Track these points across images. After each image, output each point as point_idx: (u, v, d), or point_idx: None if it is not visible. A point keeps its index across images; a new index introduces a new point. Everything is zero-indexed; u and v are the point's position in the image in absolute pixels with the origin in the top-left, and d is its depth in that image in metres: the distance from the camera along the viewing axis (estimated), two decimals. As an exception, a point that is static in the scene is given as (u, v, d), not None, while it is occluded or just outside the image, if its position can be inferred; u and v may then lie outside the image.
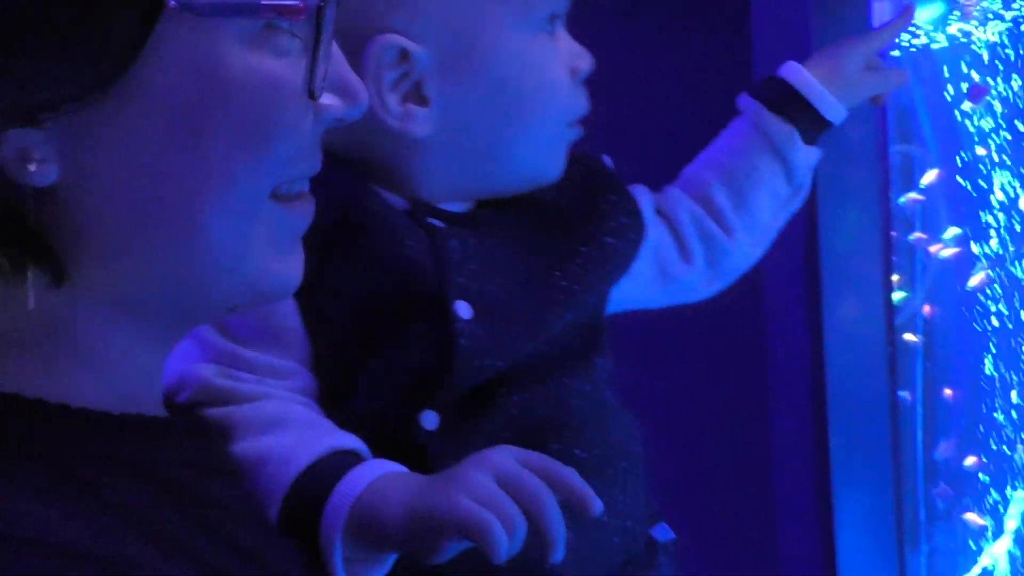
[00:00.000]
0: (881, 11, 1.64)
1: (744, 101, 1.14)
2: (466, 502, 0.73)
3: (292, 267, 0.65)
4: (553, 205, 0.95)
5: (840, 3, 1.63)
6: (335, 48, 0.62)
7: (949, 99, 2.04)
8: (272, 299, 0.67)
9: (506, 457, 0.76)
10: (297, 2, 0.58)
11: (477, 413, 0.86)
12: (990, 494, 2.32)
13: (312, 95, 0.60)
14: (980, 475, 2.30)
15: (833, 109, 1.12)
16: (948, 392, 2.23)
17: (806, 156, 1.11)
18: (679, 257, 1.09)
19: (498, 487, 0.73)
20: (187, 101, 0.57)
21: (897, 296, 1.80)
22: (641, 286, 1.05)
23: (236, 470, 0.77)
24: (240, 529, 0.64)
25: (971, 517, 1.95)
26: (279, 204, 0.63)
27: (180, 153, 0.57)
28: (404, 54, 0.84)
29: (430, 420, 0.85)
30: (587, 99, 0.94)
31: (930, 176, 2.11)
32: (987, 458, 2.30)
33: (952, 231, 2.14)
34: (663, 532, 0.98)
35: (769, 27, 1.86)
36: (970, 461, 2.25)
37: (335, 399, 0.85)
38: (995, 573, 2.29)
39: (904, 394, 1.89)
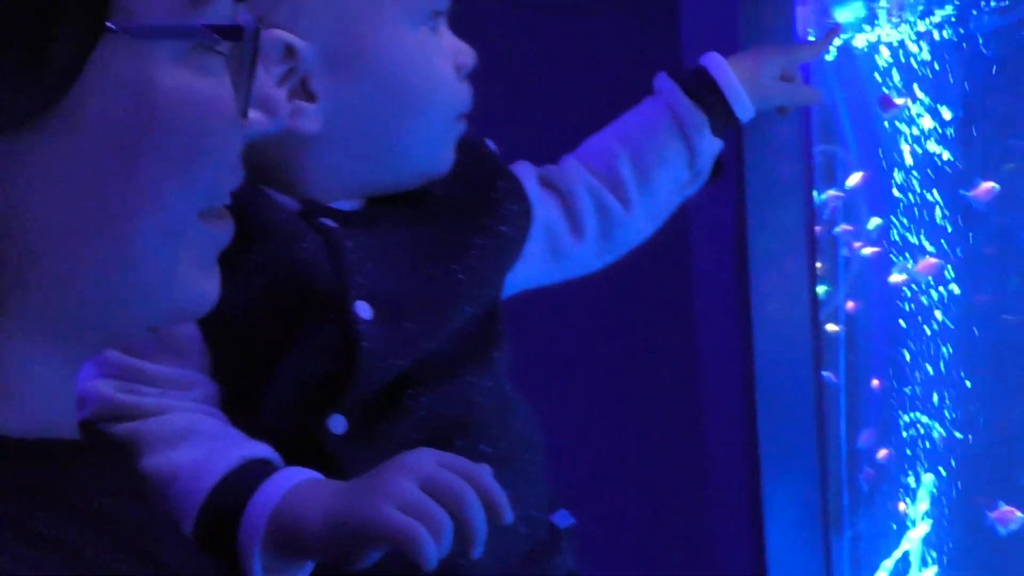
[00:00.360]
0: (804, 16, 1.69)
1: (662, 81, 1.15)
2: (391, 511, 0.73)
3: (214, 284, 0.65)
4: (443, 197, 0.95)
5: (766, 11, 1.68)
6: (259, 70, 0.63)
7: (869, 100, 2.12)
8: (192, 316, 0.65)
9: (426, 460, 0.76)
10: (236, 24, 0.59)
11: (385, 415, 0.86)
12: (909, 480, 2.40)
13: (244, 115, 0.61)
14: (902, 464, 2.38)
15: (745, 108, 1.16)
16: (875, 382, 2.30)
17: (711, 146, 1.15)
18: (570, 232, 1.09)
19: (422, 492, 0.74)
20: (120, 125, 0.56)
21: (821, 289, 1.86)
22: (533, 267, 1.06)
23: (150, 489, 0.75)
24: (161, 550, 0.63)
25: (901, 507, 2.02)
26: (204, 222, 0.62)
27: (111, 177, 0.56)
28: (289, 50, 0.85)
29: (338, 424, 0.85)
30: (471, 94, 0.94)
31: (855, 178, 2.18)
32: (908, 448, 2.38)
33: (875, 221, 2.22)
34: (563, 518, 0.99)
35: (697, 31, 1.91)
36: (882, 454, 2.33)
37: (240, 407, 0.85)
38: (911, 557, 2.37)
39: (828, 374, 1.95)
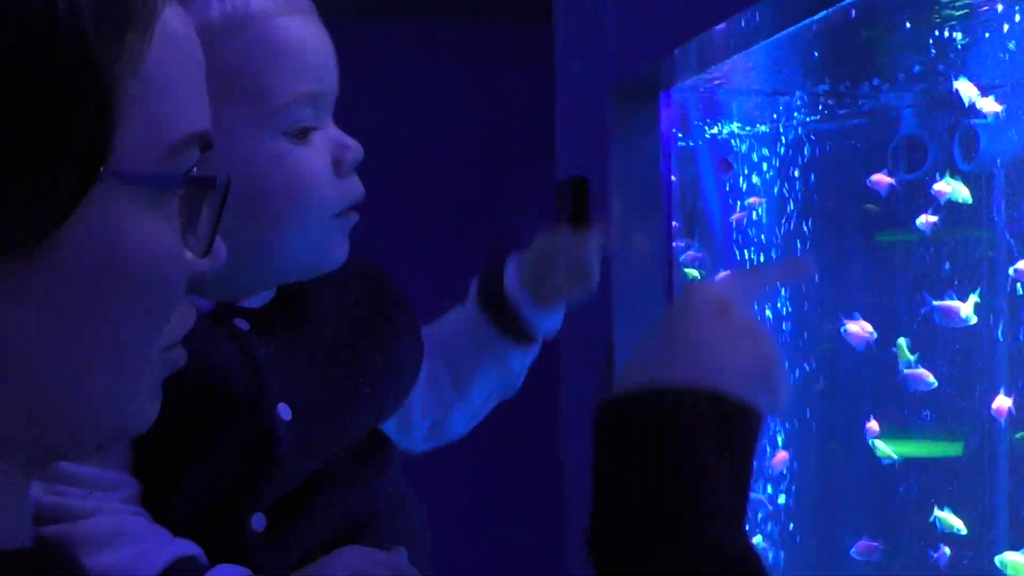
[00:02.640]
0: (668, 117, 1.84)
1: (471, 298, 1.10)
2: None
3: (156, 407, 0.65)
4: (350, 316, 0.96)
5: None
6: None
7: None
8: (136, 435, 0.66)
9: (357, 555, 0.84)
10: (212, 175, 0.61)
11: (299, 515, 0.88)
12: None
13: (203, 257, 0.62)
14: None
15: (540, 329, 1.10)
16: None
17: (522, 360, 1.12)
18: (401, 429, 1.09)
19: None
20: (91, 267, 0.56)
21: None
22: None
23: None
24: None
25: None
26: (161, 355, 0.63)
27: (77, 318, 0.57)
28: None
29: (259, 522, 0.86)
30: (358, 185, 0.93)
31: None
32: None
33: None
34: None
35: (570, 131, 2.03)
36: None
37: (159, 504, 0.85)
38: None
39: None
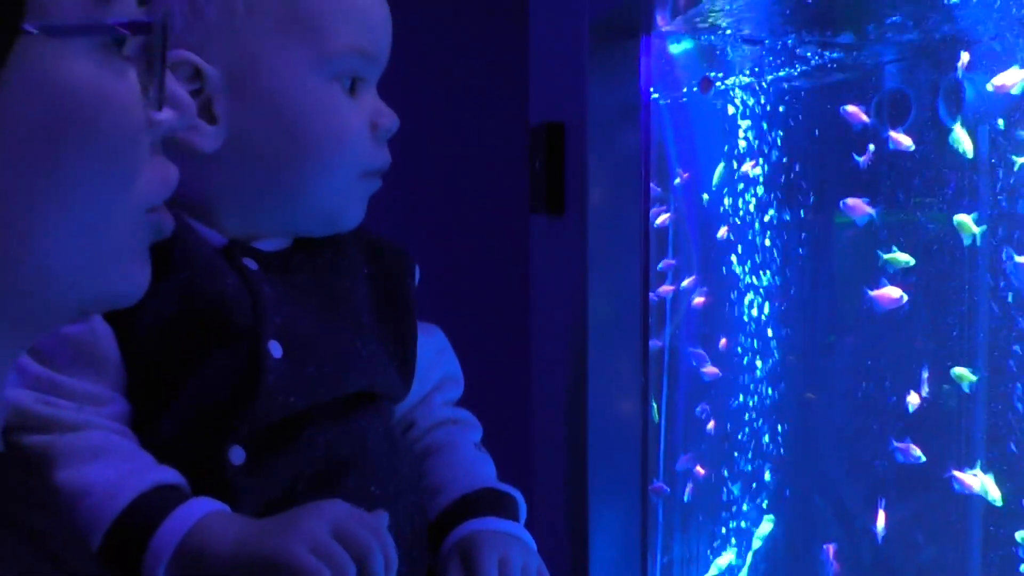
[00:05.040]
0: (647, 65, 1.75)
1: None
2: (302, 551, 0.76)
3: (146, 271, 0.65)
4: (364, 283, 0.98)
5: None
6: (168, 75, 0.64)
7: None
8: (122, 304, 0.66)
9: (340, 510, 0.80)
10: (146, 19, 0.60)
11: (281, 451, 0.88)
12: (731, 504, 2.50)
13: (159, 107, 0.61)
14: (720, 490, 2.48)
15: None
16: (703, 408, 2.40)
17: None
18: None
19: (332, 538, 0.77)
20: (38, 122, 0.57)
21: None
22: None
23: (57, 501, 0.76)
24: (70, 561, 0.64)
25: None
26: (144, 216, 0.64)
27: (31, 174, 0.57)
28: (197, 71, 0.87)
29: (237, 455, 0.86)
30: (387, 155, 0.97)
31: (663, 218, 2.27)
32: (727, 470, 2.48)
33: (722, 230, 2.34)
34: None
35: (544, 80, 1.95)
36: (701, 470, 2.43)
37: (145, 427, 0.86)
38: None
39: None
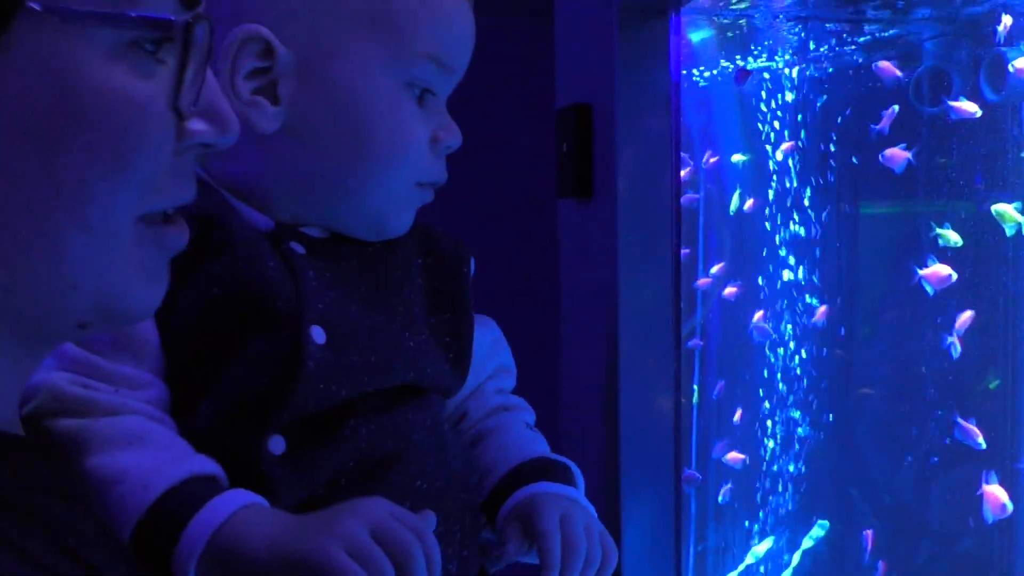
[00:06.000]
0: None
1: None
2: (339, 553, 0.73)
3: (154, 292, 0.63)
4: (415, 273, 0.96)
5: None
6: (210, 76, 0.61)
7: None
8: (127, 321, 0.64)
9: (380, 508, 0.77)
10: (168, 16, 0.56)
11: (323, 442, 0.86)
12: (759, 496, 2.47)
13: (179, 114, 0.58)
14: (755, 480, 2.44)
15: None
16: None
17: None
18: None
19: (371, 539, 0.74)
20: (41, 111, 0.54)
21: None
22: None
23: (83, 493, 0.74)
24: (92, 553, 0.62)
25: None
26: (149, 228, 0.61)
27: (30, 164, 0.55)
28: (269, 49, 0.85)
29: (278, 445, 0.84)
30: (444, 170, 0.95)
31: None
32: (758, 460, 2.44)
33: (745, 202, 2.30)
34: (495, 563, 0.96)
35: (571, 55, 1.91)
36: (733, 456, 2.39)
37: (184, 414, 0.83)
38: (758, 569, 2.43)
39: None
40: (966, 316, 1.83)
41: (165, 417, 0.82)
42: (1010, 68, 1.76)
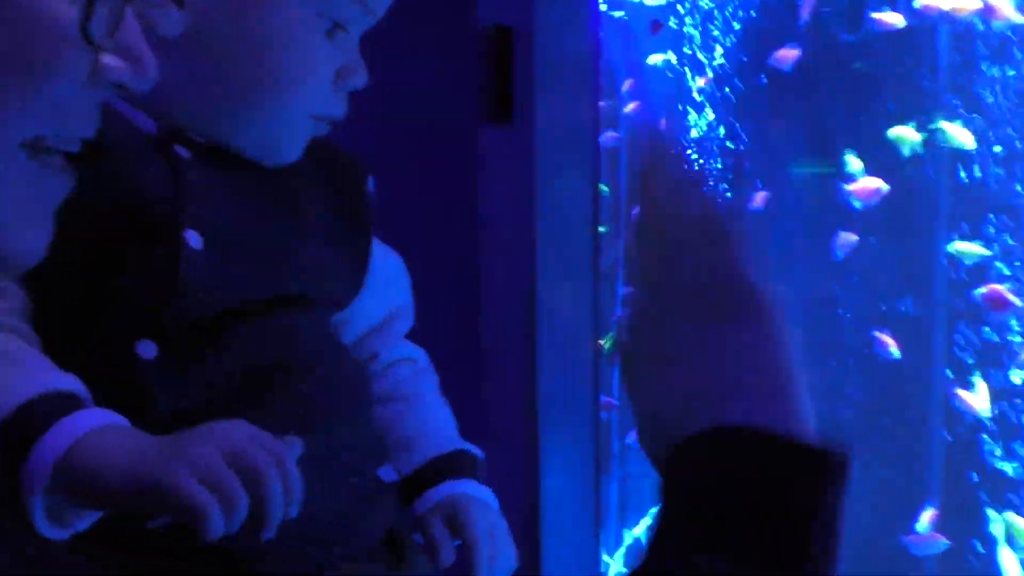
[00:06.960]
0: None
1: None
2: (187, 478, 0.71)
3: (36, 240, 0.58)
4: (307, 185, 0.94)
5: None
6: (131, 17, 0.57)
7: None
8: (14, 267, 0.59)
9: (238, 432, 0.74)
10: None
11: (201, 346, 0.83)
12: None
13: (89, 40, 0.54)
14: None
15: None
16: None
17: None
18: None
19: (224, 464, 0.72)
20: None
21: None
22: None
23: None
24: None
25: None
26: (36, 163, 0.56)
27: None
28: None
29: (147, 349, 0.81)
30: (343, 105, 0.93)
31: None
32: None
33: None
34: (388, 473, 0.98)
35: None
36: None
37: (54, 325, 0.80)
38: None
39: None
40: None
41: (24, 329, 0.79)
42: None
